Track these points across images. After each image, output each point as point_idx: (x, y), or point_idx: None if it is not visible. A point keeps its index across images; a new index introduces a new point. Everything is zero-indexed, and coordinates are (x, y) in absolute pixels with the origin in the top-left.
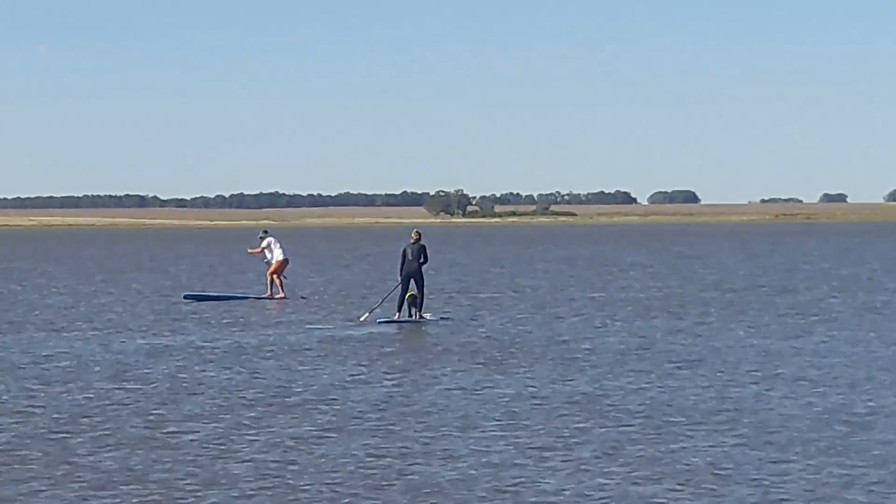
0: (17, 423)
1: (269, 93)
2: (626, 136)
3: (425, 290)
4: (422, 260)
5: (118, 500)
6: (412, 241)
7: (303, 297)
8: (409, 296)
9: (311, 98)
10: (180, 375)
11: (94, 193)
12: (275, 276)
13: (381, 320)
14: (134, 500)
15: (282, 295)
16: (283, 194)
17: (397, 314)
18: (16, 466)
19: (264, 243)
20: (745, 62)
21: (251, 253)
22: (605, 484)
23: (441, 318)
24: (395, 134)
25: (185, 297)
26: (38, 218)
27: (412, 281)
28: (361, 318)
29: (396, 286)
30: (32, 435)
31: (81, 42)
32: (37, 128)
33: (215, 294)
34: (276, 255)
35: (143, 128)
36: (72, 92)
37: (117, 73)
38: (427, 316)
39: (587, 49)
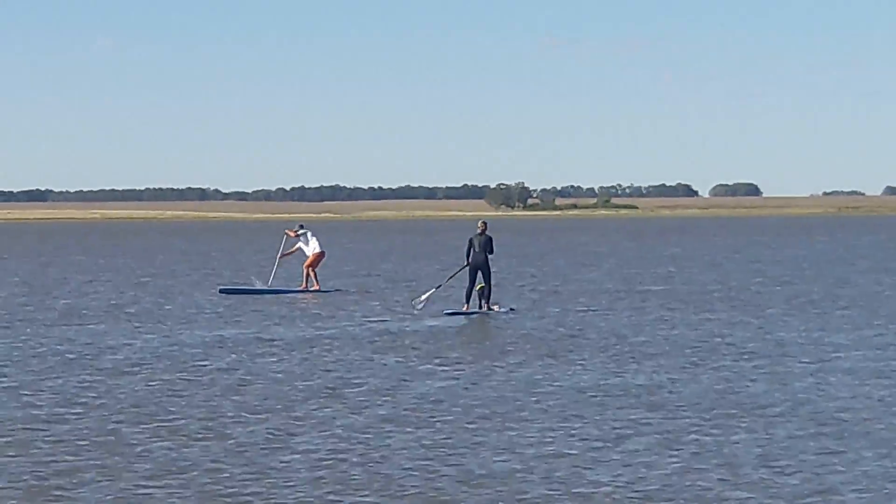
0: (76, 414)
1: (331, 85)
2: (687, 129)
3: (492, 281)
4: (488, 251)
5: (171, 491)
6: (478, 231)
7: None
8: (479, 288)
9: (372, 90)
10: (236, 368)
11: (156, 186)
12: (310, 269)
13: (448, 312)
14: (187, 492)
15: (316, 287)
16: (344, 187)
17: (465, 305)
18: (69, 457)
19: (301, 238)
20: (808, 53)
21: (287, 257)
22: (658, 475)
23: (510, 310)
24: (457, 126)
25: (221, 291)
26: (100, 211)
27: (479, 272)
28: (418, 305)
29: (455, 273)
30: (89, 426)
31: (142, 34)
32: (98, 121)
33: (251, 287)
34: (313, 247)
35: (206, 121)
36: (133, 85)
37: (178, 66)
38: (496, 308)
39: (648, 40)
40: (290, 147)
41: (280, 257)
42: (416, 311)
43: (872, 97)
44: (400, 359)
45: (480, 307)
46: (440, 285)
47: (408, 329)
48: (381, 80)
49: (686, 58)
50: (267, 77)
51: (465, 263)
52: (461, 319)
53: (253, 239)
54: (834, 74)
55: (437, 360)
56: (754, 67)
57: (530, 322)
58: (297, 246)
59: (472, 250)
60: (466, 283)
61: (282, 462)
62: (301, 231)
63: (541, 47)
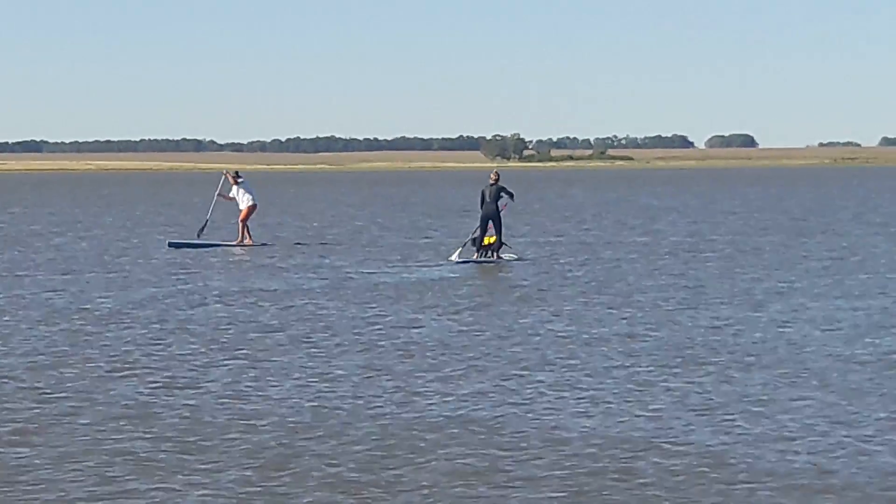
0: (72, 370)
1: (326, 36)
2: (683, 80)
3: (503, 231)
4: (502, 199)
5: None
6: (491, 182)
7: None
8: (488, 241)
9: (367, 42)
10: (236, 318)
11: (152, 137)
12: (244, 223)
13: (460, 260)
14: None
15: (249, 242)
16: (340, 138)
17: (476, 254)
18: (40, 405)
19: (234, 189)
20: (803, 5)
21: (223, 199)
22: (629, 420)
23: (518, 259)
24: (452, 78)
25: (170, 245)
26: (96, 162)
27: (490, 222)
28: (452, 259)
29: (477, 227)
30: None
31: None
32: (93, 72)
33: (198, 241)
34: (247, 199)
35: (202, 72)
36: (130, 36)
37: (174, 16)
38: (504, 256)
39: None
40: (285, 98)
41: (217, 196)
42: (454, 264)
43: (869, 49)
44: (400, 307)
45: (489, 255)
46: (468, 240)
47: (417, 279)
48: (378, 31)
49: (684, 8)
50: (264, 28)
51: (479, 220)
52: (471, 267)
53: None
54: (831, 25)
55: (442, 308)
56: (751, 18)
57: (539, 271)
58: (232, 194)
59: (484, 200)
60: (477, 233)
61: (262, 409)
62: (240, 180)
63: None
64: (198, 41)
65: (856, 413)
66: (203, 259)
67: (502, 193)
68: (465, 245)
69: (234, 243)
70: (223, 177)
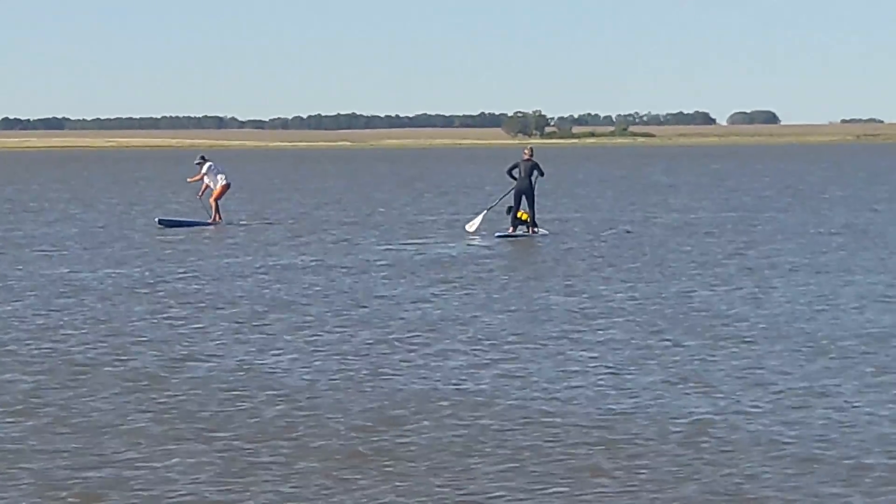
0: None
1: (347, 13)
2: (705, 56)
3: (537, 206)
4: (534, 176)
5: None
6: (524, 157)
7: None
8: (522, 216)
9: (389, 18)
10: (264, 292)
11: (173, 115)
12: (215, 201)
13: (499, 234)
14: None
15: (220, 220)
16: (361, 115)
17: (511, 229)
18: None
19: (204, 169)
20: None
21: (191, 181)
22: (631, 388)
23: (549, 233)
24: (473, 54)
25: (159, 223)
26: (117, 139)
27: (523, 197)
28: (471, 228)
29: (503, 196)
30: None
31: None
32: (114, 49)
33: (187, 220)
34: (219, 180)
35: (223, 49)
36: (151, 12)
37: None
38: (539, 230)
39: None
40: (307, 75)
41: (200, 197)
42: (471, 235)
43: (892, 24)
44: (420, 281)
45: (526, 230)
46: (490, 207)
47: (443, 254)
48: (399, 8)
49: None
50: (285, 4)
51: (504, 193)
52: (508, 242)
53: (263, 167)
54: (853, 0)
55: (467, 284)
56: None
57: (571, 244)
58: (201, 179)
59: (518, 176)
60: (512, 207)
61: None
62: (203, 162)
63: None
64: (220, 17)
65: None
66: (194, 237)
67: (534, 171)
68: (482, 214)
69: (209, 222)
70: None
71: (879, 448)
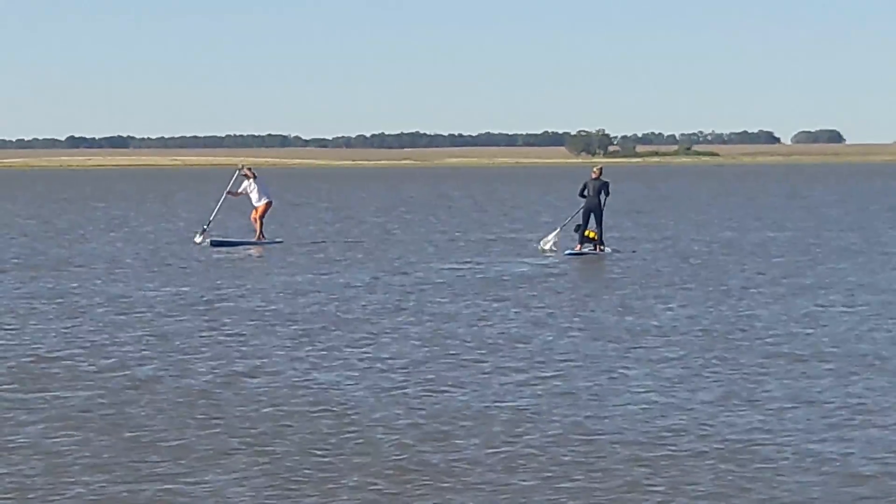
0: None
1: (411, 32)
2: (770, 75)
3: (604, 224)
4: (603, 195)
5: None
6: (594, 176)
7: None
8: (590, 235)
9: (453, 37)
10: (337, 308)
11: (237, 133)
12: (260, 219)
13: (568, 252)
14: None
15: (263, 238)
16: (424, 134)
17: (578, 246)
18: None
19: (246, 183)
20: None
21: (231, 197)
22: (679, 405)
23: (614, 251)
24: (537, 73)
25: (212, 244)
26: (181, 158)
27: (592, 215)
28: (546, 246)
29: (573, 215)
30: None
31: None
32: (179, 68)
33: (238, 240)
34: (262, 196)
35: (287, 67)
36: (215, 32)
37: (261, 12)
38: (607, 249)
39: None
40: (370, 94)
41: (226, 194)
42: (546, 253)
43: None
44: (485, 300)
45: (594, 248)
46: (563, 225)
47: (519, 272)
48: (464, 27)
49: (770, 3)
50: (350, 23)
51: (577, 211)
52: (578, 260)
53: (328, 185)
54: None
55: (529, 300)
56: (838, 13)
57: (634, 262)
58: (242, 188)
59: (587, 194)
60: (581, 225)
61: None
62: (249, 173)
63: None
64: (284, 36)
65: None
66: (248, 256)
67: (603, 190)
68: (556, 232)
69: (255, 241)
70: (237, 172)
71: None
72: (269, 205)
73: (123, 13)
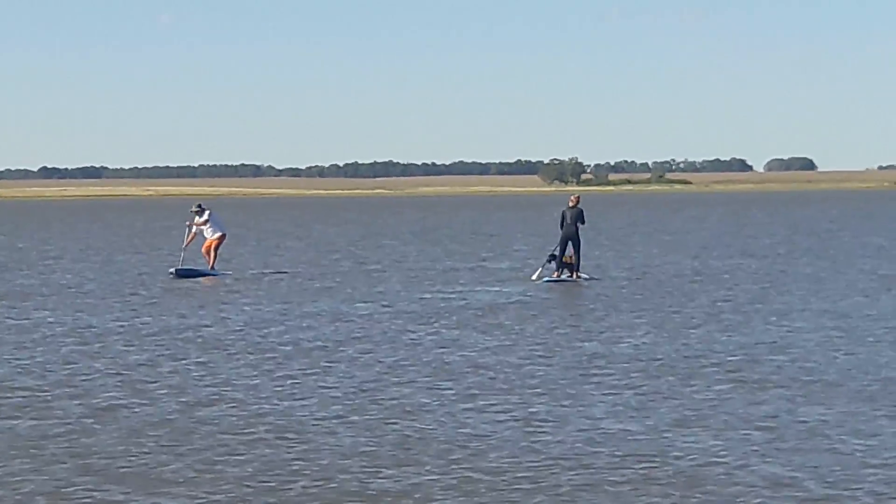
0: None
1: (383, 62)
2: (742, 103)
3: (581, 252)
4: (579, 222)
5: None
6: (570, 205)
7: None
8: (567, 260)
9: (425, 67)
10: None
11: (210, 163)
12: (213, 250)
13: (546, 279)
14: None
15: (214, 268)
16: (398, 163)
17: (556, 273)
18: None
19: (205, 216)
20: (863, 27)
21: (195, 228)
22: (630, 432)
23: (592, 278)
24: (510, 101)
25: (177, 273)
26: (155, 188)
27: (570, 243)
28: (534, 277)
29: (557, 245)
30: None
31: (200, 11)
32: (152, 98)
33: (202, 270)
34: (215, 230)
35: (260, 98)
36: (189, 63)
37: (233, 43)
38: (584, 275)
39: (703, 12)
40: (343, 124)
41: (186, 245)
42: (536, 282)
43: None
44: (471, 331)
45: (571, 275)
46: (548, 259)
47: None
48: (434, 56)
49: (740, 32)
50: (320, 53)
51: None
52: (551, 286)
53: (300, 214)
54: (890, 47)
55: (504, 328)
56: (809, 41)
57: (606, 289)
58: (196, 229)
59: (564, 222)
60: (557, 252)
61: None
62: (199, 210)
63: (595, 22)
64: (255, 67)
65: None
66: (212, 286)
67: (579, 218)
68: (543, 265)
69: (221, 272)
70: (186, 229)
71: (890, 490)
72: (223, 237)
73: (96, 44)
